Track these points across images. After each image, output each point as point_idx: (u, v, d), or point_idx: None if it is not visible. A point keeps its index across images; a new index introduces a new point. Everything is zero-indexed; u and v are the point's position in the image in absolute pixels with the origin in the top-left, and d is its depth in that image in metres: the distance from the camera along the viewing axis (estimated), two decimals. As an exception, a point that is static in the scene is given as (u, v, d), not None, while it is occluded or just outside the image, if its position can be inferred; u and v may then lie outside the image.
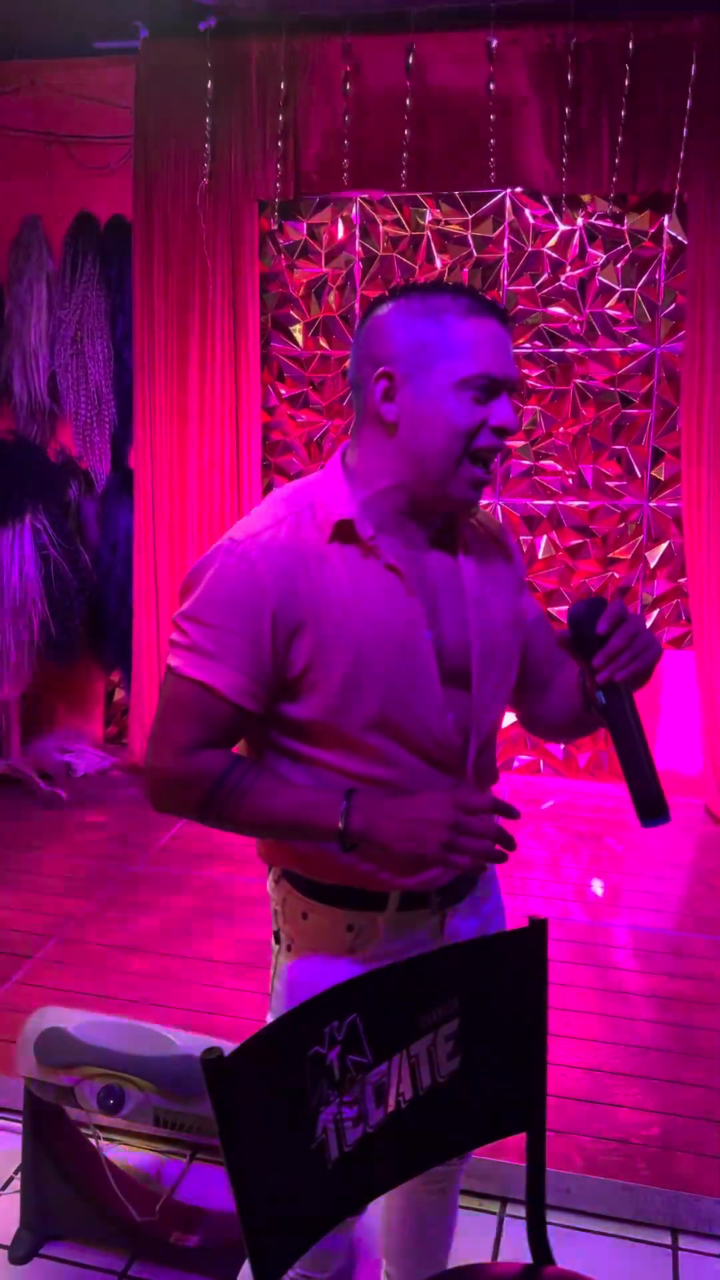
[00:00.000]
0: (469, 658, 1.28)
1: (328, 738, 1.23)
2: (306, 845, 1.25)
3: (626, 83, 3.58)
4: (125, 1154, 2.16)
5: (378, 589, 1.22)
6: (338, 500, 1.23)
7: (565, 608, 4.15)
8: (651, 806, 1.16)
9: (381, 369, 1.21)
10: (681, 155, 3.61)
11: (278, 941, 1.40)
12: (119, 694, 4.62)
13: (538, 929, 1.27)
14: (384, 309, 1.24)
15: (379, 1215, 1.72)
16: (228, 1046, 1.08)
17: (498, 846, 1.12)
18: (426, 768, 1.26)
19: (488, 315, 1.21)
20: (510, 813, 1.15)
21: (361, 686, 1.20)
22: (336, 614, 1.20)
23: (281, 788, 1.22)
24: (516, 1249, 2.00)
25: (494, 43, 3.62)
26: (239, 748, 1.31)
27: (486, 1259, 1.98)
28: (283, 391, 4.26)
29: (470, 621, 1.28)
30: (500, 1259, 1.99)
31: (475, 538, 1.35)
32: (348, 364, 1.30)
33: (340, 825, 1.15)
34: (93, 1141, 1.99)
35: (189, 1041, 1.83)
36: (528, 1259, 1.35)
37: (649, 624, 4.11)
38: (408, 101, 3.73)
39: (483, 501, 4.51)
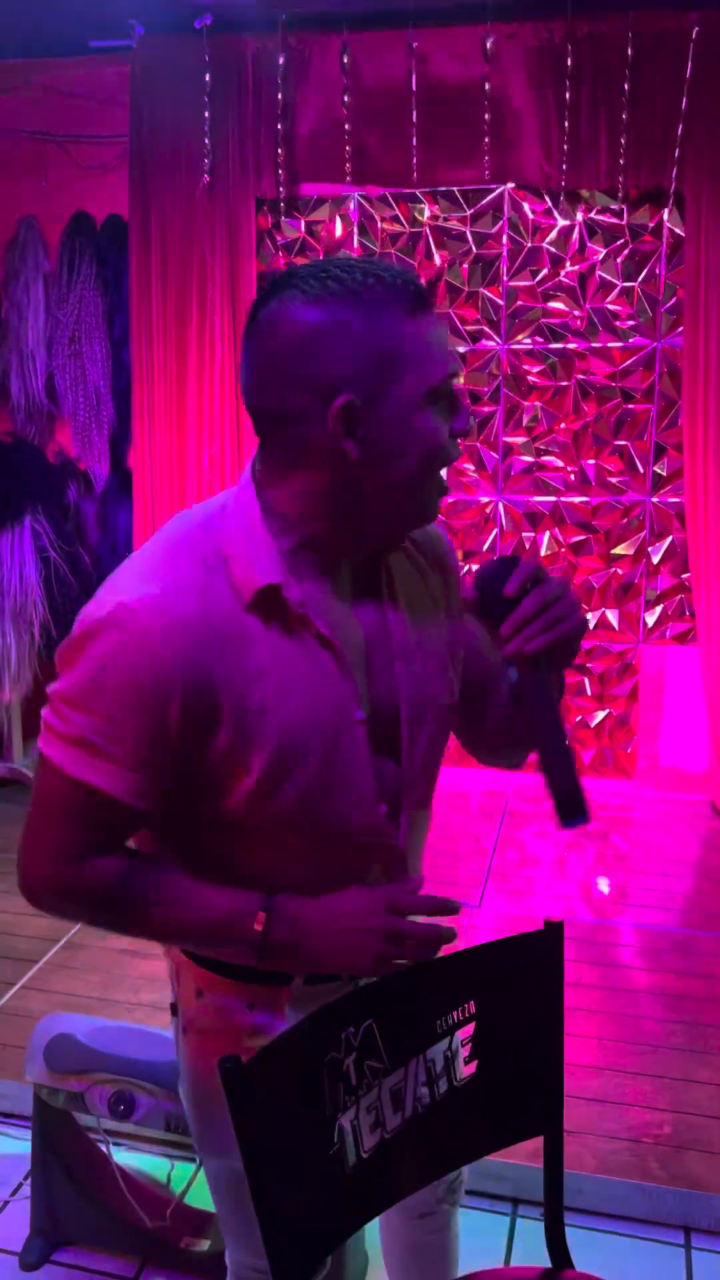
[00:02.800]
0: (399, 723, 1.11)
1: (238, 833, 1.07)
2: None
3: (626, 77, 3.56)
4: (135, 1158, 2.15)
5: (305, 667, 1.03)
6: (258, 555, 1.00)
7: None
8: (569, 804, 1.00)
9: (342, 398, 0.95)
10: (680, 148, 3.59)
11: (174, 1015, 1.26)
12: (120, 695, 4.61)
13: (553, 931, 1.26)
14: (303, 313, 0.96)
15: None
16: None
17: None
18: (352, 858, 1.12)
19: (426, 297, 1.00)
20: (449, 909, 1.04)
21: (284, 781, 1.02)
22: (256, 702, 1.00)
23: (191, 894, 1.05)
24: (530, 1250, 1.99)
25: (491, 38, 3.60)
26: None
27: (499, 1260, 1.98)
28: (282, 390, 4.24)
29: (399, 679, 1.10)
30: (514, 1261, 1.98)
31: (400, 566, 1.14)
32: (247, 385, 1.02)
33: (259, 939, 1.03)
34: (102, 1147, 1.98)
35: (199, 1046, 1.81)
36: (541, 1261, 1.34)
37: (653, 616, 4.11)
38: (412, 93, 3.70)
39: (484, 499, 4.43)
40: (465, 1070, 1.23)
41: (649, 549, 4.06)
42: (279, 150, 3.85)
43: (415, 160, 3.78)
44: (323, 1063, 1.08)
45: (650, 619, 4.10)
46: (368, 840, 1.11)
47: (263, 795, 1.02)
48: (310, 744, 1.03)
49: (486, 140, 3.71)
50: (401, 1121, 1.18)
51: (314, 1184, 1.08)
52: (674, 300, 3.87)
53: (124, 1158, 2.07)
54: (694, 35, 3.50)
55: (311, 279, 0.97)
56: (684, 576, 4.02)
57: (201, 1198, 2.07)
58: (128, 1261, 1.98)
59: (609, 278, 3.91)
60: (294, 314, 0.96)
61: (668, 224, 3.84)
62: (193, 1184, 2.08)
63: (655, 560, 4.07)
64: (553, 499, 4.10)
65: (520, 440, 4.08)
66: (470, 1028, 1.23)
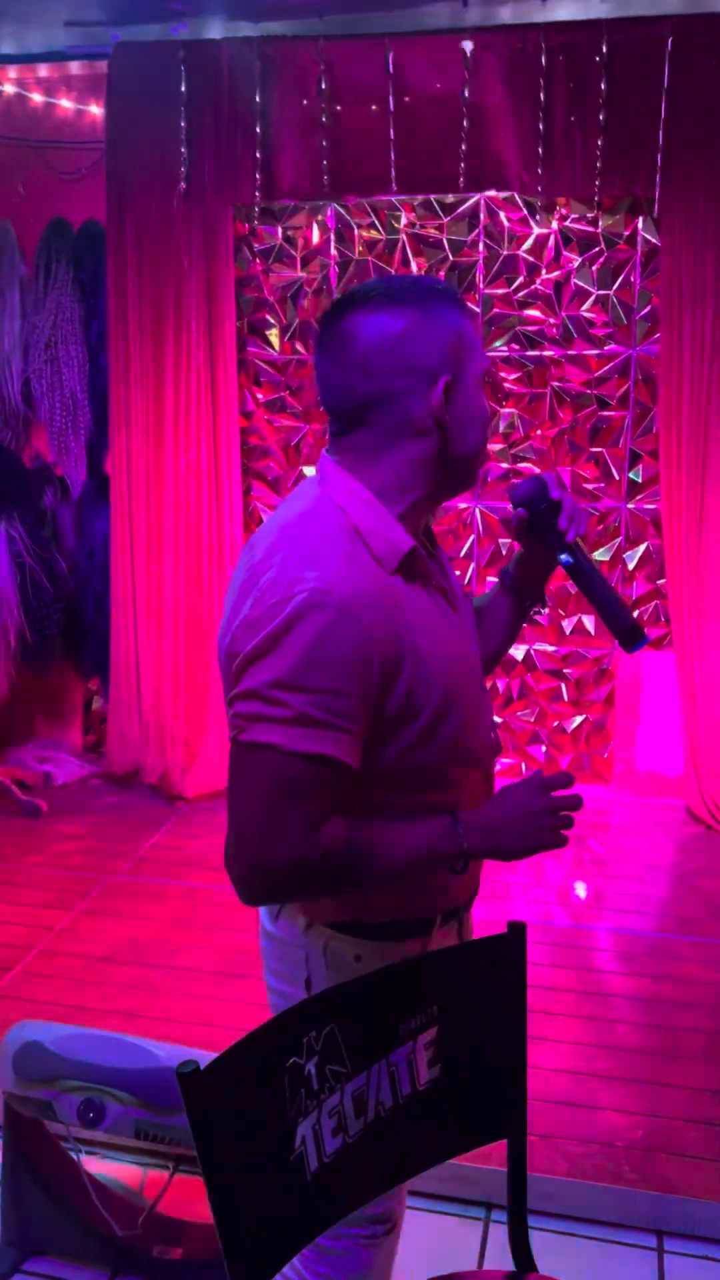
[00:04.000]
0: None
1: (399, 777, 1.18)
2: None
3: (601, 86, 3.58)
4: (107, 1166, 2.14)
5: (438, 614, 1.22)
6: (387, 525, 1.18)
7: (546, 612, 4.14)
8: (632, 635, 1.30)
9: (444, 377, 1.17)
10: (655, 157, 3.62)
11: (309, 990, 1.26)
12: (97, 702, 4.58)
13: (516, 933, 1.26)
14: (399, 315, 1.16)
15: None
16: (208, 1057, 1.06)
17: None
18: (480, 774, 1.28)
19: (465, 302, 1.24)
20: (570, 779, 1.20)
21: (449, 716, 1.18)
22: (424, 652, 1.16)
23: (396, 834, 1.16)
24: (503, 1256, 1.99)
25: (468, 46, 3.62)
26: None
27: (472, 1265, 1.97)
28: (259, 396, 4.25)
29: (466, 616, 1.32)
30: (486, 1266, 1.98)
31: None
32: (345, 382, 1.19)
33: (462, 850, 1.16)
34: (73, 1155, 1.96)
35: (170, 1053, 1.81)
36: (512, 1266, 1.34)
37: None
38: (388, 104, 3.72)
39: (461, 505, 4.44)
40: (428, 1074, 1.23)
41: (624, 555, 4.08)
42: (256, 157, 3.85)
43: (392, 168, 3.79)
44: (284, 1068, 1.08)
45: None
46: (489, 756, 1.29)
47: (427, 734, 1.17)
48: (461, 680, 1.21)
49: (463, 148, 3.72)
50: (364, 1126, 1.17)
51: (274, 1189, 1.08)
52: (648, 308, 3.89)
53: (96, 1165, 2.06)
54: (669, 44, 3.53)
55: (394, 290, 1.18)
56: (660, 583, 4.05)
57: (174, 1205, 2.07)
58: (99, 1271, 1.97)
59: (584, 286, 3.93)
60: (392, 316, 1.17)
61: (642, 232, 3.86)
62: (164, 1192, 2.08)
63: (631, 567, 4.09)
64: (529, 505, 4.10)
65: (497, 447, 4.09)
66: (433, 1031, 1.23)
